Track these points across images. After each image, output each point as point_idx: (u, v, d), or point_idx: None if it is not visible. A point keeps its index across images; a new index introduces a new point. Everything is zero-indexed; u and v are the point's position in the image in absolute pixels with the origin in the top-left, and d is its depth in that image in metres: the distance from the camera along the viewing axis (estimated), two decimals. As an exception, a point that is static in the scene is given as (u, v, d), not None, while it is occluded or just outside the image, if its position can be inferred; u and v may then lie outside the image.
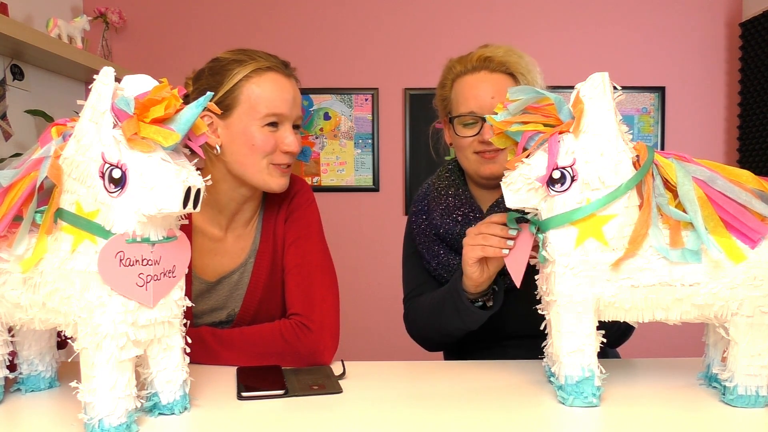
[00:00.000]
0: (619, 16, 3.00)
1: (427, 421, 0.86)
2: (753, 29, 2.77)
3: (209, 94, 0.82)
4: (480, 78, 1.23)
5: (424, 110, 3.01)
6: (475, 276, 1.09)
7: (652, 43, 3.00)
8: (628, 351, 1.39)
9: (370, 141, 3.03)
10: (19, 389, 0.98)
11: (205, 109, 0.82)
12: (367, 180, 3.04)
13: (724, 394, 0.91)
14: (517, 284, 1.01)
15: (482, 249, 1.05)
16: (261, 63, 1.16)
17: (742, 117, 2.87)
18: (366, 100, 3.02)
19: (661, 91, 2.99)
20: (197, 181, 0.79)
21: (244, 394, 0.95)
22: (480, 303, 1.16)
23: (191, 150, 0.85)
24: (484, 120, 1.20)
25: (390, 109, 3.03)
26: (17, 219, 0.83)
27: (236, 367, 1.09)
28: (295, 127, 1.20)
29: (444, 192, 1.33)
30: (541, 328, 0.96)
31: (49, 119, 2.33)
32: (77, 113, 0.81)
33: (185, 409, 0.89)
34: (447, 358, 1.49)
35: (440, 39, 3.02)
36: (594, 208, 0.86)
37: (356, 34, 3.02)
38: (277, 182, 1.18)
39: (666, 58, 3.00)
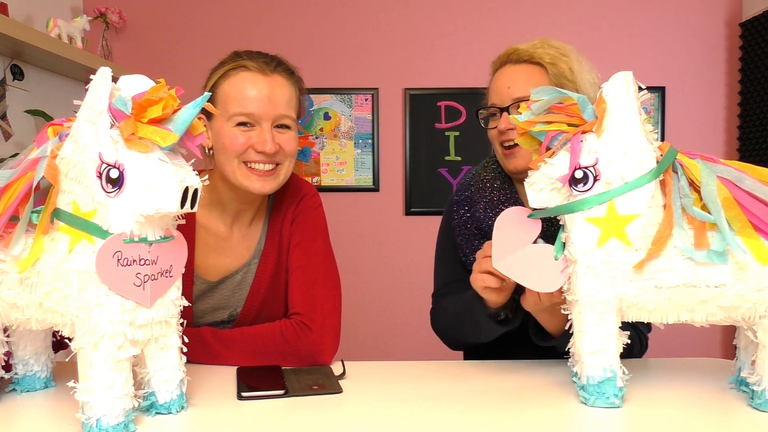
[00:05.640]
0: (619, 16, 3.00)
1: (428, 421, 0.86)
2: (753, 29, 2.77)
3: (206, 94, 0.82)
4: (503, 72, 1.23)
5: (424, 110, 3.01)
6: (492, 299, 1.08)
7: (652, 43, 3.00)
8: (655, 351, 1.36)
9: (370, 141, 3.03)
10: (14, 389, 0.98)
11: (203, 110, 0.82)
12: (367, 180, 3.04)
13: (752, 399, 0.89)
14: (547, 290, 0.96)
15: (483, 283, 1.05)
16: (238, 62, 1.15)
17: (742, 117, 2.87)
18: (366, 100, 3.02)
19: (661, 91, 2.99)
20: (195, 181, 0.79)
21: (244, 394, 0.95)
22: (503, 317, 1.13)
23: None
24: (501, 110, 1.20)
25: (390, 109, 3.03)
26: (14, 219, 0.82)
27: (236, 367, 1.09)
28: (284, 126, 1.17)
29: (489, 184, 1.29)
30: (566, 328, 0.95)
31: (49, 119, 2.33)
32: (76, 113, 0.81)
33: (182, 408, 0.89)
34: (467, 357, 1.46)
35: (440, 39, 3.02)
36: (603, 199, 0.85)
37: (356, 34, 3.02)
38: (253, 184, 1.15)
39: (666, 58, 3.00)
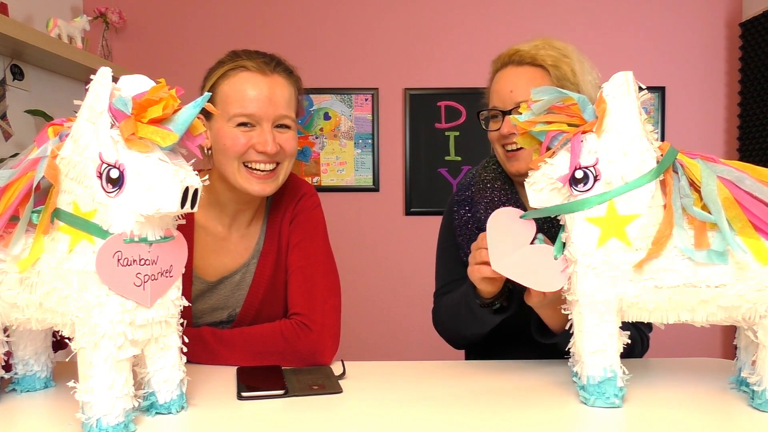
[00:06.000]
0: (619, 16, 3.00)
1: (428, 421, 0.86)
2: (753, 29, 2.77)
3: (207, 94, 0.82)
4: (505, 73, 1.22)
5: (424, 110, 3.01)
6: (488, 290, 1.09)
7: (652, 43, 3.00)
8: (655, 352, 1.35)
9: (370, 141, 3.03)
10: (14, 389, 0.98)
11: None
12: (367, 180, 3.04)
13: (752, 399, 0.89)
14: (550, 289, 0.96)
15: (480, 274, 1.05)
16: (237, 63, 1.14)
17: (742, 117, 2.87)
18: (366, 100, 3.02)
19: (661, 91, 2.99)
20: (195, 181, 0.79)
21: (244, 394, 0.95)
22: (497, 305, 1.14)
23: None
24: (503, 113, 1.19)
25: (390, 109, 3.03)
26: (14, 219, 0.82)
27: (236, 367, 1.09)
28: (284, 126, 1.17)
29: (490, 185, 1.29)
30: (567, 327, 0.95)
31: (49, 119, 2.32)
32: (76, 113, 0.81)
33: (182, 408, 0.89)
34: (469, 357, 1.46)
35: (440, 39, 3.02)
36: (603, 199, 0.86)
37: (356, 34, 3.02)
38: (253, 187, 1.15)
39: (666, 58, 3.00)
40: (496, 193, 1.27)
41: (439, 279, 1.38)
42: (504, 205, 1.23)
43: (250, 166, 1.15)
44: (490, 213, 1.22)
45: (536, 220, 0.99)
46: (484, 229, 1.23)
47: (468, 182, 1.35)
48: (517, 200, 1.26)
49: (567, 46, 1.22)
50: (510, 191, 1.27)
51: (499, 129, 1.21)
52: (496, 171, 1.30)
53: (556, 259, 0.93)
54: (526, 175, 1.08)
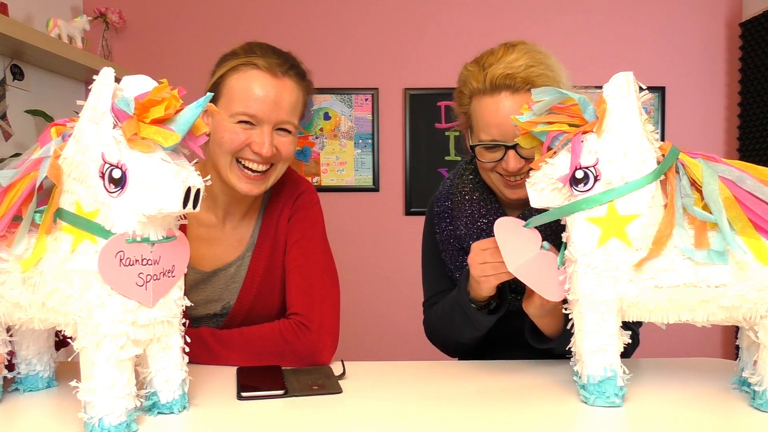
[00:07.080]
0: (619, 16, 3.00)
1: (428, 421, 0.86)
2: (753, 29, 2.77)
3: (209, 94, 0.82)
4: (501, 101, 1.11)
5: (424, 110, 3.01)
6: (486, 287, 1.06)
7: (652, 43, 3.00)
8: (655, 351, 1.35)
9: (370, 141, 3.03)
10: (17, 389, 0.98)
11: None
12: (367, 180, 3.04)
13: (753, 399, 0.89)
14: (556, 299, 0.96)
15: (497, 278, 1.02)
16: (249, 59, 1.12)
17: (742, 117, 2.87)
18: (366, 100, 3.02)
19: (661, 91, 2.99)
20: (197, 182, 0.79)
21: (243, 394, 0.95)
22: (493, 305, 1.14)
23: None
24: (507, 147, 1.11)
25: (390, 109, 3.03)
26: (17, 219, 0.83)
27: (236, 367, 1.09)
28: (285, 130, 1.15)
29: (468, 196, 1.25)
30: (568, 327, 0.95)
31: (49, 119, 2.33)
32: (77, 113, 0.81)
33: (184, 408, 0.89)
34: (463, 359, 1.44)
35: (440, 39, 3.02)
36: (603, 200, 0.86)
37: (356, 34, 3.02)
38: (241, 185, 1.14)
39: (666, 58, 3.00)
40: (475, 205, 1.24)
41: (427, 289, 1.36)
42: (485, 218, 1.22)
43: (243, 163, 1.14)
44: (471, 227, 1.22)
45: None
46: (465, 247, 1.23)
47: (447, 191, 1.31)
48: (498, 210, 1.23)
49: (546, 56, 1.14)
50: (489, 201, 1.24)
51: (499, 161, 1.14)
52: (474, 181, 1.26)
53: (559, 268, 0.94)
54: (525, 200, 1.03)
